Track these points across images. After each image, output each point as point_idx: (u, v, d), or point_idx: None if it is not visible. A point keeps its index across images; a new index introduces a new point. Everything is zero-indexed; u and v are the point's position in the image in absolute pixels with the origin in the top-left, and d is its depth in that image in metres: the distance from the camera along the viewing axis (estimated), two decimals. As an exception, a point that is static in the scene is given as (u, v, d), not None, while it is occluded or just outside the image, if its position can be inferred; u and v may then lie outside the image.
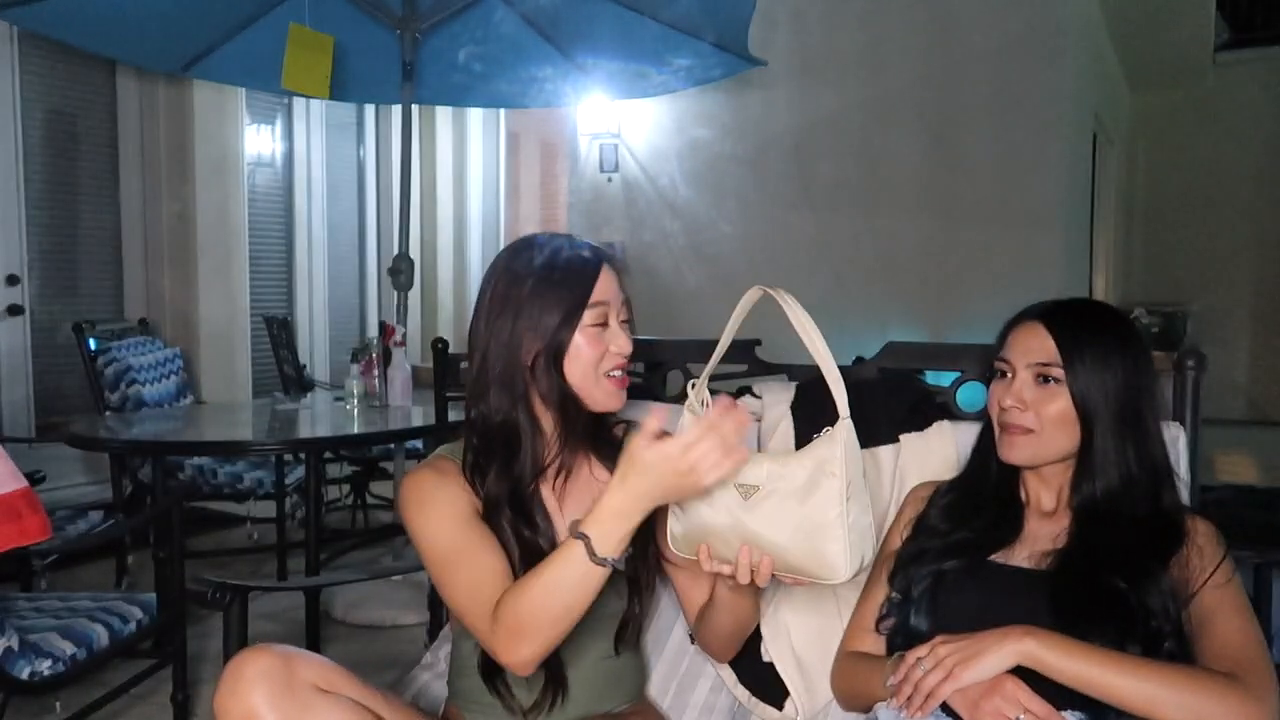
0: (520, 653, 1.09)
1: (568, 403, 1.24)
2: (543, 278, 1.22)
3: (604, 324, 1.24)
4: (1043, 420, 1.22)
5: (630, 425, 1.39)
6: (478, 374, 1.26)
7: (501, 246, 1.37)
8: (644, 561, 1.29)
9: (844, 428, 1.08)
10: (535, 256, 1.25)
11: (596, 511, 1.05)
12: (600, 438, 1.32)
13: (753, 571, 1.10)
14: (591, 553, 1.04)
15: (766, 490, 1.08)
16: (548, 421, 1.27)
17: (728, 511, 1.09)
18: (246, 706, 1.06)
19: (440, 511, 1.22)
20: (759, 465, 1.09)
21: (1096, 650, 1.09)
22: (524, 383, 1.24)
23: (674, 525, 1.16)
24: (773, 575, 1.11)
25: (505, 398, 1.24)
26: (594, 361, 1.23)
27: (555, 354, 1.22)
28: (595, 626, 1.24)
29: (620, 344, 1.25)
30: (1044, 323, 1.25)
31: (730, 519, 1.09)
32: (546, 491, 1.29)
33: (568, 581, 1.06)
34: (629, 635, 1.32)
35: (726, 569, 1.12)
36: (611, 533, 1.04)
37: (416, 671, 1.61)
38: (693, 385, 1.15)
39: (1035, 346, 1.24)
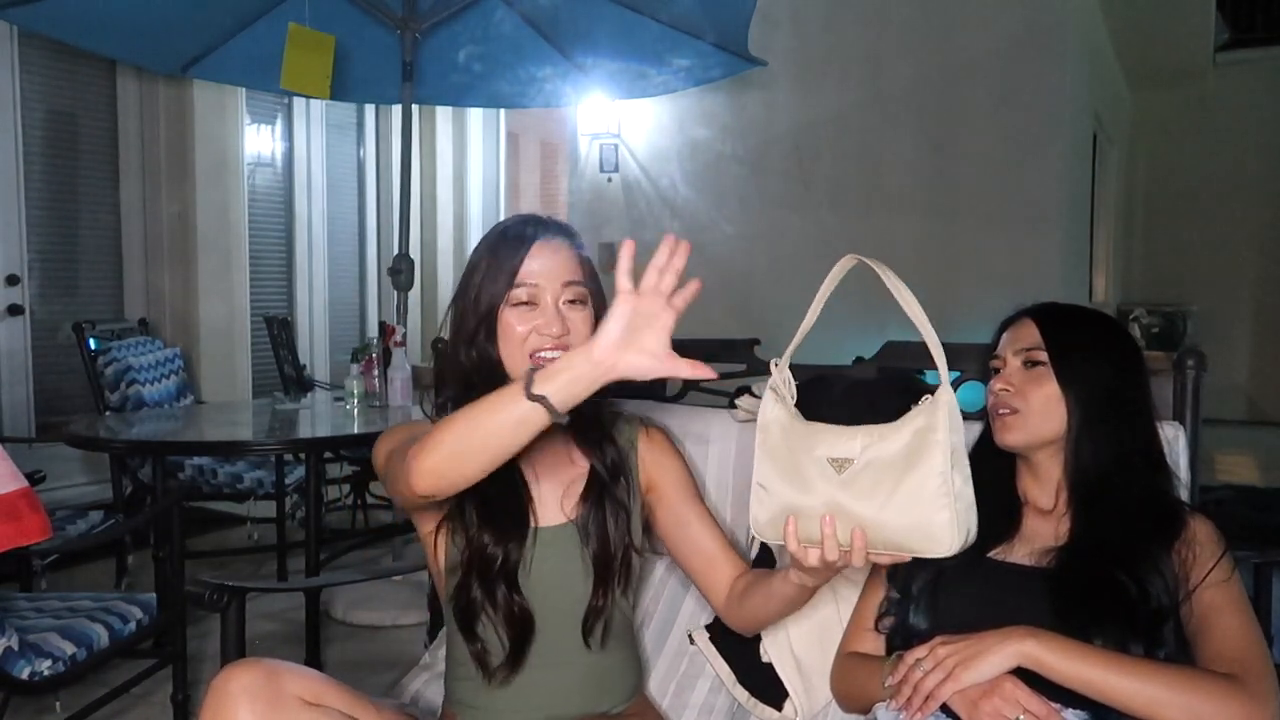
0: (420, 459, 1.05)
1: (494, 375, 1.24)
2: (487, 253, 1.26)
3: (532, 303, 1.23)
4: (1029, 401, 1.25)
5: (622, 416, 1.40)
6: (442, 350, 1.36)
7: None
8: (616, 554, 1.28)
9: (945, 394, 1.03)
10: (493, 235, 1.30)
11: (558, 364, 1.00)
12: (583, 423, 1.29)
13: (844, 551, 1.03)
14: (539, 400, 0.98)
15: (862, 462, 1.02)
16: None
17: (820, 489, 1.03)
18: None
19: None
20: (852, 438, 1.04)
21: (1097, 651, 1.09)
22: (464, 356, 1.26)
23: (757, 510, 1.09)
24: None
25: (453, 372, 1.29)
26: (519, 340, 1.23)
27: (488, 327, 1.23)
28: (562, 617, 1.25)
29: (544, 324, 1.22)
30: (1030, 317, 1.31)
31: (823, 497, 1.03)
32: (527, 469, 1.30)
33: (499, 411, 1.01)
34: (596, 629, 1.28)
35: (814, 553, 1.04)
36: (567, 388, 0.98)
37: (415, 672, 1.61)
38: (775, 364, 1.13)
39: (1022, 335, 1.29)
